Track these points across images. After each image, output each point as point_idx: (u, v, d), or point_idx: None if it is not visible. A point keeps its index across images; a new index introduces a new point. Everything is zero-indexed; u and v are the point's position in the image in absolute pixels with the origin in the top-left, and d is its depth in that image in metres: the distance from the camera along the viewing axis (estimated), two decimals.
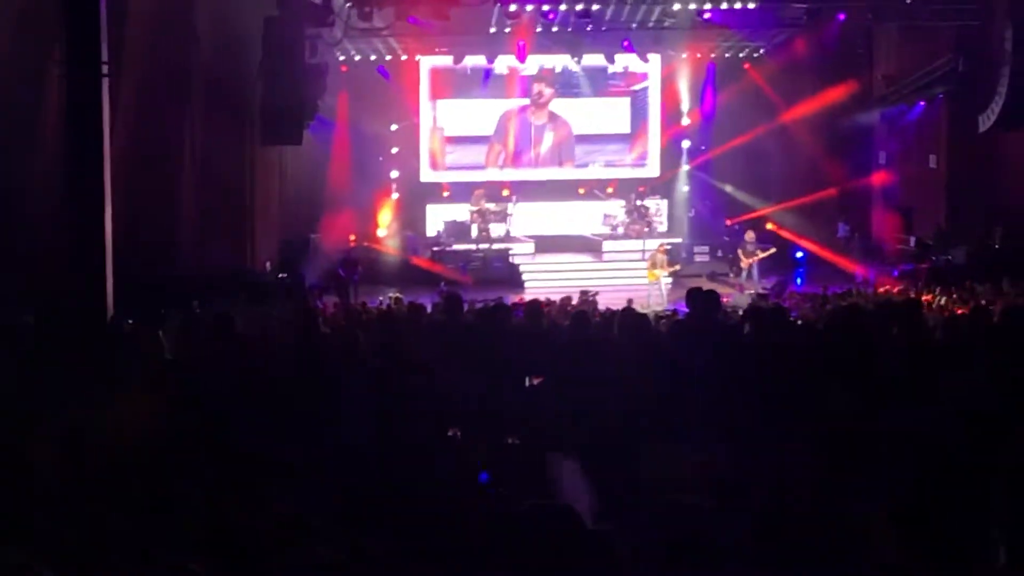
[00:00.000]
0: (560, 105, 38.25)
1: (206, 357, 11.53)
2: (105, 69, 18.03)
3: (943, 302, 22.34)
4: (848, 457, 7.69)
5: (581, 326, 12.13)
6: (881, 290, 27.22)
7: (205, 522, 6.57)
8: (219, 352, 11.49)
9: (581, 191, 38.23)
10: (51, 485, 7.70)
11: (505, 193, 37.07)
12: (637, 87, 38.55)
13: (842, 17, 32.47)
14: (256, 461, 7.92)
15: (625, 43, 35.31)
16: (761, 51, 36.77)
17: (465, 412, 9.40)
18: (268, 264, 30.45)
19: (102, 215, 17.91)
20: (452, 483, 7.43)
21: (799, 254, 34.32)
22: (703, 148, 38.16)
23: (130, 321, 16.63)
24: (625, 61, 37.29)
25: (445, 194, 37.59)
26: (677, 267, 31.42)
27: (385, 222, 35.79)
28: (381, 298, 26.47)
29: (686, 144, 38.38)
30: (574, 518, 4.68)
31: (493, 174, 37.86)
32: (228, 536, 6.30)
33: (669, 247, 32.80)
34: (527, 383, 10.67)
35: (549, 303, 22.74)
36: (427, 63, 37.18)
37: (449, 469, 8.06)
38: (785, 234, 34.64)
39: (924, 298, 22.63)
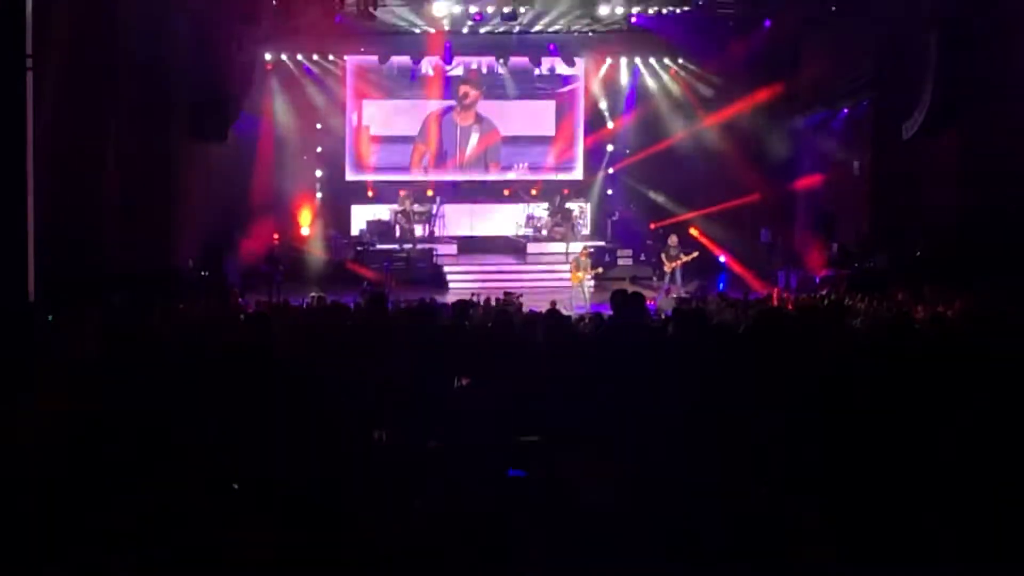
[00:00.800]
0: (485, 107, 38.24)
1: (123, 354, 11.43)
2: (29, 62, 17.87)
3: (864, 308, 22.49)
4: (771, 458, 7.74)
5: (505, 327, 12.14)
6: (803, 296, 27.37)
7: (128, 518, 6.53)
8: (135, 349, 11.40)
9: (506, 193, 38.25)
10: None
11: (429, 194, 37.04)
12: (563, 90, 38.58)
13: (768, 24, 32.73)
14: (176, 457, 7.87)
15: (551, 46, 35.44)
16: (687, 56, 36.85)
17: (391, 413, 9.37)
18: (191, 261, 30.21)
19: (24, 209, 17.75)
20: (377, 486, 7.40)
21: (722, 259, 34.48)
22: (627, 152, 38.24)
23: (50, 316, 16.48)
24: (551, 64, 37.38)
25: (370, 194, 37.48)
26: (600, 270, 31.54)
27: (309, 221, 35.63)
28: (304, 297, 26.34)
29: (610, 148, 38.48)
30: None
31: (418, 175, 37.81)
32: (153, 531, 6.27)
33: (592, 250, 32.92)
34: (455, 384, 10.64)
35: (475, 304, 22.74)
36: (352, 62, 37.06)
37: (373, 472, 8.03)
38: (707, 241, 34.76)
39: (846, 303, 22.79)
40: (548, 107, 38.75)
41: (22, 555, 6.42)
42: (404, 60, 36.32)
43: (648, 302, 18.97)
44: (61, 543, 6.61)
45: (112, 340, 12.10)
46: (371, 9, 29.57)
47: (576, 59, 37.36)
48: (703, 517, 6.67)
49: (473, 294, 24.93)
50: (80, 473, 7.55)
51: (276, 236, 34.34)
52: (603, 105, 38.39)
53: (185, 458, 8.02)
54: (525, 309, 22.79)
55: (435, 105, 38.05)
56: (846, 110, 33.32)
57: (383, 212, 36.52)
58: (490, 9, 31.73)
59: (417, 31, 34.29)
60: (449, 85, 37.85)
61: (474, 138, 38.35)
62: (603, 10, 32.03)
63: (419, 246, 35.19)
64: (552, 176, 38.50)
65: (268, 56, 34.49)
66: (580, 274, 30.57)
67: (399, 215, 35.78)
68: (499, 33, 34.10)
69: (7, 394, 9.22)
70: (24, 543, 6.53)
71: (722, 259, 34.51)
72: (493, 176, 38.44)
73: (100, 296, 20.49)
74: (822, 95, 33.55)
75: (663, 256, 32.33)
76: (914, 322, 12.16)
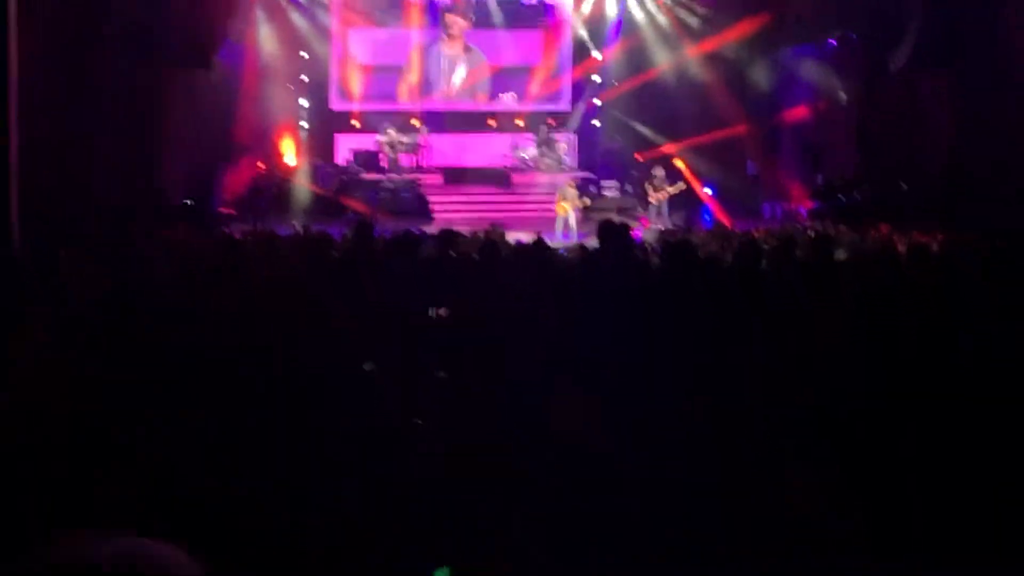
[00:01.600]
0: (472, 37, 38.06)
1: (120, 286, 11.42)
2: None
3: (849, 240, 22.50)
4: (758, 390, 7.75)
5: (491, 258, 12.11)
6: (788, 228, 27.38)
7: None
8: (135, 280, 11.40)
9: (491, 124, 38.14)
10: None
11: (415, 123, 36.88)
12: (550, 20, 38.39)
13: None
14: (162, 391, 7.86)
15: None
16: None
17: (378, 344, 9.37)
18: (176, 191, 30.15)
19: (6, 140, 17.59)
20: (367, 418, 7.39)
21: (708, 191, 34.45)
22: (614, 83, 38.13)
23: (37, 250, 16.44)
24: None
25: (355, 124, 37.34)
26: (586, 201, 31.49)
27: (293, 151, 35.50)
28: (289, 227, 26.29)
29: (597, 79, 38.37)
30: None
31: (404, 105, 37.67)
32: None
33: (578, 181, 32.86)
34: (431, 313, 10.63)
35: (460, 234, 22.69)
36: None
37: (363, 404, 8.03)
38: (693, 173, 34.69)
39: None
40: (535, 37, 38.59)
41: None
42: None
43: (633, 233, 18.92)
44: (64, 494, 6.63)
45: (105, 275, 12.08)
46: None
47: None
48: (694, 448, 6.68)
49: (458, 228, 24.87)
50: (80, 420, 7.55)
51: (261, 165, 34.24)
52: (589, 36, 38.23)
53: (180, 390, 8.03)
54: (511, 240, 22.77)
55: (422, 35, 37.86)
56: (834, 42, 33.19)
57: (368, 142, 36.36)
58: None
59: None
60: (436, 14, 37.64)
61: (461, 68, 38.19)
62: None
63: (404, 176, 35.06)
64: (538, 107, 38.36)
65: None
66: (565, 205, 30.56)
67: (384, 145, 35.64)
68: None
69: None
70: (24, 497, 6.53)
71: (708, 191, 34.47)
72: (479, 107, 38.31)
73: (87, 228, 20.47)
74: (810, 26, 33.40)
75: (649, 187, 32.29)
76: (897, 254, 12.14)
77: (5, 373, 8.18)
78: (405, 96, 37.87)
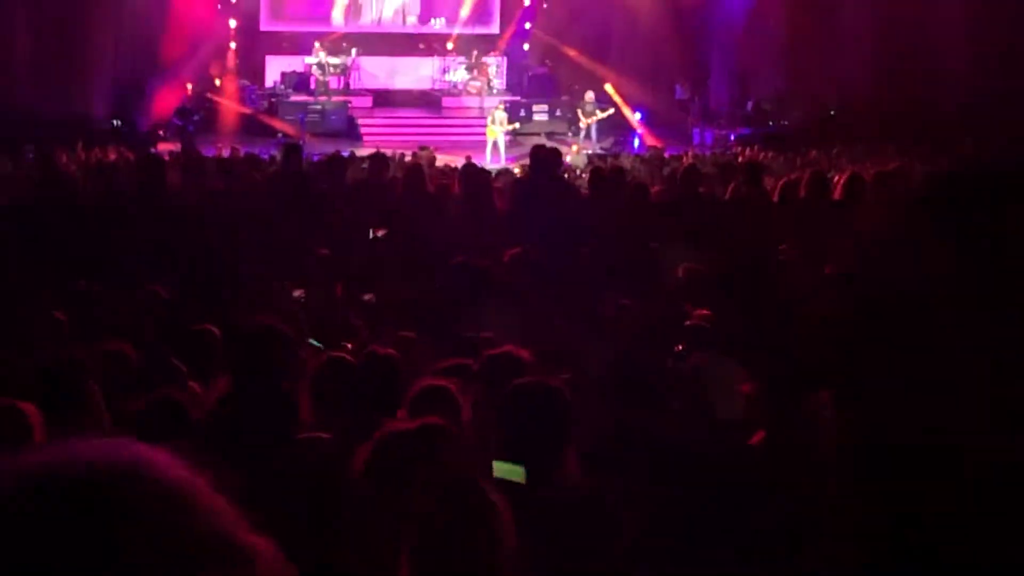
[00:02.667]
0: None
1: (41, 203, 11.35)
2: None
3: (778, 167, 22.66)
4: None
5: (418, 181, 12.10)
6: (718, 153, 27.52)
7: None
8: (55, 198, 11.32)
9: (421, 46, 37.92)
10: None
11: (345, 45, 36.58)
12: None
13: None
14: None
15: None
16: None
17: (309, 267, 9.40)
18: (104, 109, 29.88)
19: None
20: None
21: (637, 115, 34.48)
22: (545, 6, 37.99)
23: None
24: None
25: (284, 45, 37.02)
26: (516, 125, 31.45)
27: (222, 71, 35.16)
28: (218, 148, 26.13)
29: (527, 1, 38.18)
30: None
31: (335, 27, 37.36)
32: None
33: (508, 105, 32.79)
34: (371, 235, 10.65)
35: (389, 157, 22.66)
36: None
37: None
38: (622, 97, 34.69)
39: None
40: None
41: None
42: None
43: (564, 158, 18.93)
44: None
45: (29, 188, 12.02)
46: None
47: None
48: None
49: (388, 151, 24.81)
50: None
51: (189, 86, 33.92)
52: None
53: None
54: (440, 163, 22.77)
55: None
56: None
57: (298, 64, 36.07)
58: None
59: None
60: None
61: None
62: None
63: (334, 98, 34.85)
64: (469, 30, 38.16)
65: None
66: (495, 128, 30.51)
67: (314, 67, 35.39)
68: None
69: None
70: None
71: (637, 116, 34.50)
72: (410, 29, 38.08)
73: (9, 145, 20.28)
74: None
75: (579, 111, 32.32)
76: (828, 180, 12.22)
77: None
78: (339, 19, 37.55)
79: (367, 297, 8.99)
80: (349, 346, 6.99)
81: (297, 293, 8.94)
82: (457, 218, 10.62)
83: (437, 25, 38.13)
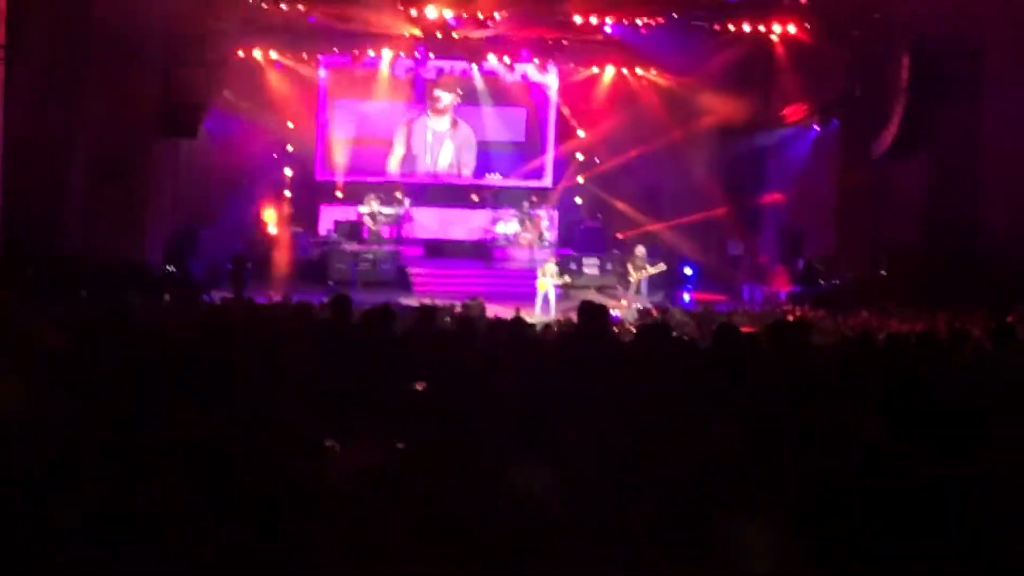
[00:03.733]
0: (458, 112, 38.18)
1: (98, 347, 11.42)
2: (2, 52, 17.83)
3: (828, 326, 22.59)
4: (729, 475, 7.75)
5: (469, 334, 12.14)
6: (767, 311, 27.47)
7: (96, 514, 6.51)
8: (112, 343, 11.38)
9: (475, 198, 38.23)
10: None
11: (398, 196, 36.92)
12: (535, 98, 38.59)
13: (740, 38, 32.90)
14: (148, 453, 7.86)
15: (525, 53, 35.48)
16: (660, 68, 36.83)
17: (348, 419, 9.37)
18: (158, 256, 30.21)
19: None
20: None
21: (688, 271, 34.57)
22: (597, 161, 38.28)
23: (13, 306, 16.43)
24: (524, 71, 37.42)
25: (338, 194, 37.40)
26: (567, 278, 31.54)
27: (276, 220, 35.52)
28: (270, 295, 26.30)
29: (580, 156, 38.50)
30: None
31: (388, 177, 37.75)
32: (119, 526, 6.25)
33: (559, 258, 32.92)
34: (413, 388, 10.64)
35: (438, 308, 22.73)
36: (326, 62, 36.94)
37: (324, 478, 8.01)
38: (673, 253, 34.81)
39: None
40: (519, 114, 38.78)
41: None
42: (377, 62, 36.21)
43: (612, 313, 18.93)
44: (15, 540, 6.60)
45: (80, 334, 12.08)
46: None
47: (549, 66, 37.40)
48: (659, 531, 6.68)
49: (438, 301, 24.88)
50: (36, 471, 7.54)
51: (242, 234, 34.27)
52: (574, 114, 38.39)
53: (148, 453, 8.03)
54: (489, 315, 22.82)
55: (408, 109, 38.01)
56: (816, 127, 33.48)
57: (352, 213, 36.40)
58: (465, 15, 31.76)
59: (391, 33, 34.29)
60: (422, 89, 37.80)
61: (446, 143, 38.31)
62: (577, 19, 32.13)
63: (385, 248, 35.11)
64: (521, 183, 38.49)
65: (240, 53, 34.25)
66: (546, 281, 30.60)
67: (366, 216, 35.72)
68: (474, 38, 34.06)
69: None
70: None
71: (688, 271, 34.59)
72: (463, 181, 38.44)
73: (64, 289, 20.46)
74: (793, 111, 33.70)
75: (629, 266, 32.42)
76: (875, 342, 12.18)
77: None
78: (389, 168, 37.96)
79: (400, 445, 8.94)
80: None
81: (329, 443, 8.90)
82: (502, 372, 10.61)
83: (490, 177, 38.48)
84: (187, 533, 6.34)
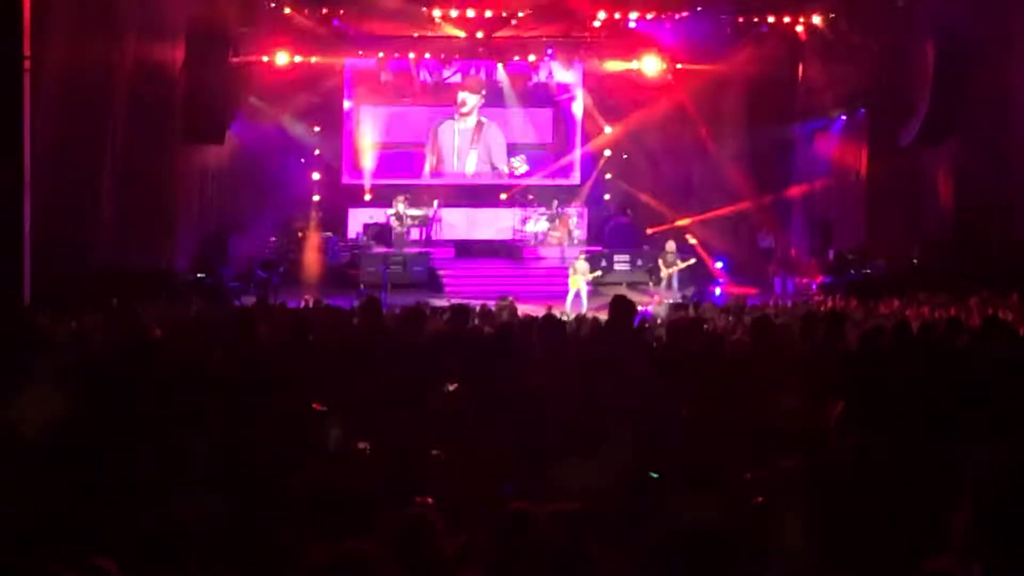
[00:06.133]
0: (484, 113, 38.14)
1: (122, 356, 11.45)
2: (26, 65, 17.86)
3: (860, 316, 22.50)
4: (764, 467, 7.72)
5: (501, 332, 12.12)
6: (799, 303, 27.39)
7: (118, 520, 6.51)
8: (135, 351, 11.41)
9: (503, 197, 38.19)
10: None
11: (427, 199, 36.92)
12: (560, 96, 38.54)
13: (765, 30, 32.83)
14: (165, 464, 7.85)
15: (550, 52, 35.43)
16: (685, 62, 36.68)
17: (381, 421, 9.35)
18: (186, 262, 30.28)
19: (20, 208, 17.73)
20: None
21: (719, 265, 34.49)
22: (624, 157, 38.17)
23: (45, 315, 16.50)
24: (549, 70, 37.36)
25: (367, 197, 37.39)
26: (597, 274, 31.50)
27: (305, 224, 35.52)
28: (300, 300, 26.32)
29: (607, 152, 38.38)
30: None
31: (416, 179, 37.76)
32: (138, 535, 6.25)
33: (589, 255, 32.87)
34: (446, 389, 10.62)
35: (471, 309, 22.69)
36: (351, 65, 36.93)
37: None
38: (703, 247, 34.73)
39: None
40: (546, 113, 38.75)
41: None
42: (402, 65, 36.18)
43: (644, 308, 18.89)
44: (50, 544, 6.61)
45: (112, 341, 12.12)
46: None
47: (574, 64, 37.32)
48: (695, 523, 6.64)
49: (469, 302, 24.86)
50: (72, 475, 7.54)
51: (272, 239, 34.33)
52: (600, 110, 38.29)
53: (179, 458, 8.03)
54: (520, 313, 22.78)
55: (433, 111, 38.00)
56: (843, 117, 33.37)
57: (380, 216, 36.41)
58: (488, 14, 31.75)
59: (415, 35, 34.30)
60: (447, 91, 37.76)
61: (473, 144, 38.27)
62: (601, 15, 32.07)
63: (416, 250, 35.12)
64: (549, 181, 38.45)
65: (266, 58, 34.24)
66: (577, 278, 30.59)
67: (394, 219, 35.72)
68: (497, 38, 34.02)
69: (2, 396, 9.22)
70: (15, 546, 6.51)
71: (719, 265, 34.52)
72: (491, 181, 38.41)
73: (95, 297, 20.51)
74: (820, 101, 33.61)
75: (660, 261, 32.38)
76: (911, 330, 12.14)
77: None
78: (417, 169, 37.96)
79: (435, 452, 8.91)
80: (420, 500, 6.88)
81: (362, 445, 8.89)
82: (535, 370, 10.59)
83: (517, 166, 38.36)
84: (222, 541, 6.34)
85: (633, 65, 36.92)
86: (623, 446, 8.10)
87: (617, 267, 35.31)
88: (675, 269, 32.10)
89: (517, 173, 38.41)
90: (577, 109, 38.67)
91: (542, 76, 37.63)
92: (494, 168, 38.49)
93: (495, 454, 8.52)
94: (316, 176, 36.60)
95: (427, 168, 38.12)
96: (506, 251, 36.90)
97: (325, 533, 5.56)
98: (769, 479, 7.27)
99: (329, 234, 35.59)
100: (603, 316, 15.58)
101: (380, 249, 35.04)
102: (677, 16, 32.57)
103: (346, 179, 37.70)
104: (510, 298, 27.09)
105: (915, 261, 30.28)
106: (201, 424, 8.85)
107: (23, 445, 8.19)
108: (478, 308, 23.10)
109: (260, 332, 12.47)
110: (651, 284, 33.08)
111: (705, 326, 14.35)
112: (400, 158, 38.02)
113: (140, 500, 6.95)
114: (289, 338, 12.08)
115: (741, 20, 32.94)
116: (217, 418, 9.03)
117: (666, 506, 6.78)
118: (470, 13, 31.72)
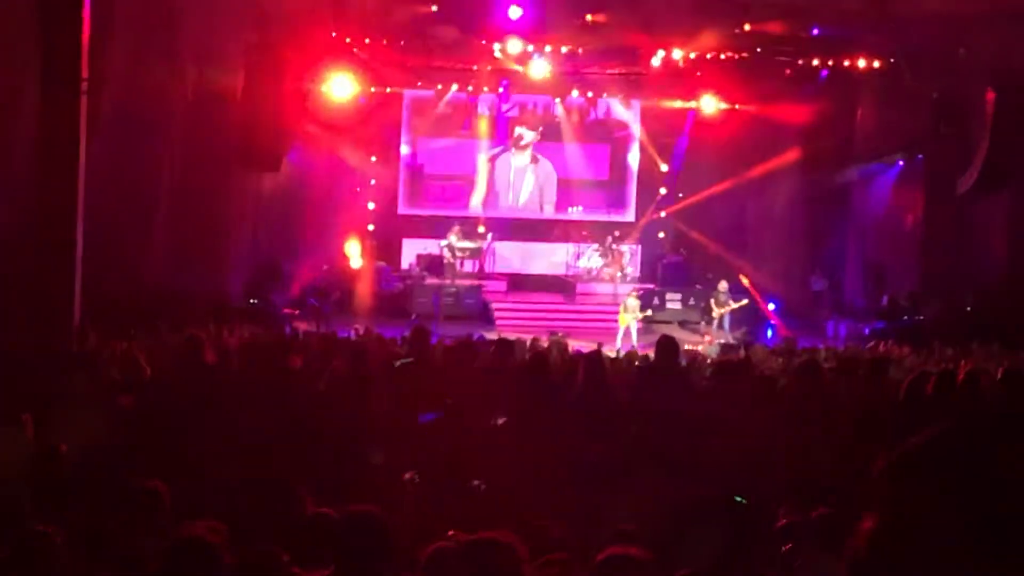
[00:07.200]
0: (540, 148, 38.24)
1: (173, 379, 11.56)
2: (84, 86, 18.02)
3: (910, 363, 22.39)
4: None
5: (544, 369, 12.12)
6: (849, 348, 27.27)
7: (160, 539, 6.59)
8: (185, 376, 11.51)
9: (557, 233, 38.25)
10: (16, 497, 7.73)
11: (481, 230, 37.04)
12: (617, 133, 38.62)
13: (825, 74, 32.80)
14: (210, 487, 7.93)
15: (607, 89, 35.52)
16: (743, 103, 36.68)
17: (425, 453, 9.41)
18: (240, 289, 30.45)
19: (74, 228, 17.89)
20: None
21: (771, 307, 34.39)
22: (680, 196, 38.18)
23: (95, 334, 16.66)
24: (607, 106, 37.48)
25: (421, 228, 37.52)
26: (648, 312, 31.48)
27: (359, 253, 35.65)
28: (351, 328, 26.41)
29: (663, 191, 38.41)
30: None
31: (470, 211, 37.87)
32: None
33: (641, 292, 32.86)
34: (493, 423, 10.66)
35: (518, 342, 22.72)
36: (409, 96, 37.14)
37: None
38: (754, 290, 34.64)
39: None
40: (602, 150, 38.81)
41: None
42: (460, 97, 36.36)
43: (695, 348, 18.82)
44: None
45: (162, 366, 12.23)
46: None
47: (632, 102, 37.43)
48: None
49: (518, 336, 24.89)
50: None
51: (326, 267, 34.49)
52: (657, 148, 38.32)
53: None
54: (571, 348, 22.79)
55: (490, 144, 38.12)
56: (900, 162, 33.29)
57: (434, 247, 36.52)
58: (548, 49, 31.83)
59: (474, 68, 34.44)
60: (505, 125, 37.90)
61: (528, 179, 38.38)
62: (660, 54, 32.11)
63: (468, 282, 35.19)
64: (604, 217, 38.51)
65: (324, 87, 34.40)
66: (628, 316, 30.57)
67: (447, 251, 35.81)
68: (556, 74, 34.08)
69: (50, 413, 9.33)
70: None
71: (771, 307, 34.43)
72: (545, 216, 38.49)
73: (147, 321, 20.68)
74: (877, 146, 33.53)
75: (712, 301, 32.36)
76: (956, 380, 12.06)
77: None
78: (471, 202, 38.08)
79: (476, 483, 8.96)
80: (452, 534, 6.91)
81: (408, 476, 8.94)
82: (576, 406, 10.62)
83: (574, 213, 38.53)
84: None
85: (691, 104, 36.99)
86: (655, 482, 8.13)
87: (669, 305, 35.28)
88: (727, 309, 32.07)
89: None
90: (634, 146, 38.74)
91: (600, 112, 37.77)
92: (542, 206, 38.57)
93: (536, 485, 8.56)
94: (371, 205, 36.78)
95: (475, 200, 38.21)
96: (558, 286, 36.93)
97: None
98: (802, 525, 7.29)
99: (382, 263, 35.72)
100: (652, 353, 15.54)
101: (432, 280, 35.12)
102: (736, 57, 32.52)
103: (401, 209, 37.86)
104: (560, 333, 27.12)
105: (968, 309, 30.13)
106: (247, 450, 8.93)
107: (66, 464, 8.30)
108: (528, 343, 23.17)
109: (335, 365, 12.54)
110: (703, 324, 33.06)
111: (751, 368, 14.33)
112: (454, 190, 38.17)
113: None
114: (345, 370, 12.11)
115: (800, 63, 32.89)
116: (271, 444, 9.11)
117: (694, 544, 6.80)
118: (530, 48, 31.73)
